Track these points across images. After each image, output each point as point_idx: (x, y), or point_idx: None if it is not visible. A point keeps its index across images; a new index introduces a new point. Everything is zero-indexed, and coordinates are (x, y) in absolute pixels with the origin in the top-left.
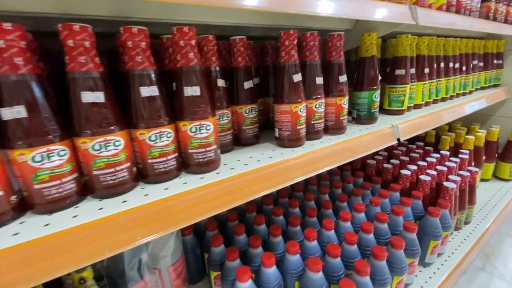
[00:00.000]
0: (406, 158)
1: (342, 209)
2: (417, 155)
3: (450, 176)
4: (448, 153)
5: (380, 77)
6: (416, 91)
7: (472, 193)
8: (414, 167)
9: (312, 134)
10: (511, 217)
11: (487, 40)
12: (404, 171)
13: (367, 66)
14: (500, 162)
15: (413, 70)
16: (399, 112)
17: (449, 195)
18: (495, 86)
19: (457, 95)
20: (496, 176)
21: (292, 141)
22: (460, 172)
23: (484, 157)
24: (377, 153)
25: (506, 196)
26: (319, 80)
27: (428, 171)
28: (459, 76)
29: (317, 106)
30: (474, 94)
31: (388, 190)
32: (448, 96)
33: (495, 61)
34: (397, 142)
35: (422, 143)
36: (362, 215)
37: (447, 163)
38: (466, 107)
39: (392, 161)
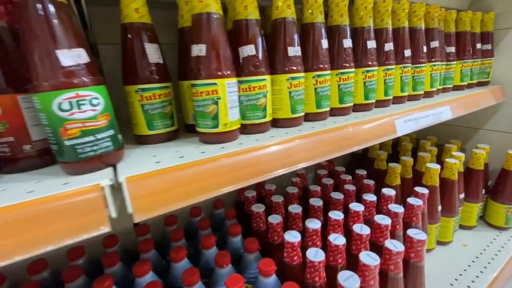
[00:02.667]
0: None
1: None
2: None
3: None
4: (373, 198)
5: None
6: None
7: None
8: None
9: None
10: None
11: (465, 12)
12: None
13: None
14: (491, 202)
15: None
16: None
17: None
18: (481, 84)
19: (400, 99)
20: (486, 222)
21: None
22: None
23: (462, 195)
24: None
25: (502, 256)
26: None
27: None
28: (398, 66)
29: None
30: (437, 97)
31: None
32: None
33: (479, 46)
34: None
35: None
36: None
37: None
38: (401, 123)
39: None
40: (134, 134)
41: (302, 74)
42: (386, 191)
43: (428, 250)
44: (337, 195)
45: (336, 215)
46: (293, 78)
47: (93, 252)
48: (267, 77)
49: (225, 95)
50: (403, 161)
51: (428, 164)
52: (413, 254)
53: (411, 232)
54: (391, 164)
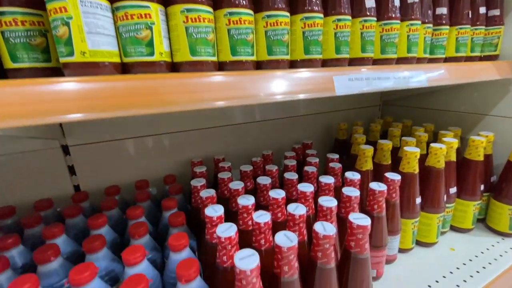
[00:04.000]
0: None
1: None
2: None
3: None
4: (330, 181)
5: None
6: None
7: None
8: None
9: None
10: None
11: None
12: None
13: None
14: (494, 202)
15: None
16: None
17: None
18: (487, 58)
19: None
20: (486, 225)
21: None
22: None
23: (453, 189)
24: None
25: (497, 265)
26: None
27: None
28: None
29: None
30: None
31: None
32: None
33: (482, 11)
34: None
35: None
36: None
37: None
38: (342, 80)
39: None
40: None
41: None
42: (349, 174)
43: (404, 250)
44: (291, 175)
45: (277, 193)
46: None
47: None
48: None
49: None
50: (380, 144)
51: (406, 147)
52: (353, 243)
53: (352, 216)
54: (363, 146)
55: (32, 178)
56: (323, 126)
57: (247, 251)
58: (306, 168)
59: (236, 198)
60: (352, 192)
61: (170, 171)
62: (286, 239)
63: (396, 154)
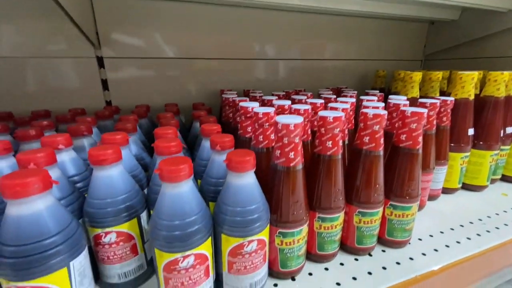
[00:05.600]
0: None
1: None
2: None
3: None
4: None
5: None
6: None
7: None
8: None
9: None
10: None
11: None
12: None
13: None
14: None
15: None
16: None
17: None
18: None
19: None
20: None
21: None
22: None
23: (511, 129)
24: None
25: None
26: None
27: None
28: None
29: None
30: None
31: None
32: None
33: None
34: None
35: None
36: None
37: None
38: None
39: None
40: None
41: None
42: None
43: (449, 190)
44: (329, 94)
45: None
46: None
47: None
48: None
49: None
50: (427, 74)
51: (460, 72)
52: (367, 138)
53: (406, 107)
54: (408, 72)
55: (68, 86)
56: (358, 75)
57: (290, 116)
58: (341, 98)
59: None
60: (399, 100)
61: (200, 100)
62: (330, 113)
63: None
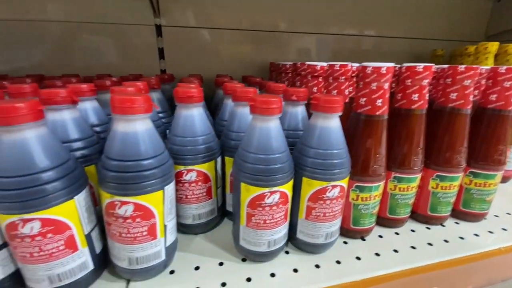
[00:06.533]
0: None
1: None
2: None
3: None
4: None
5: None
6: None
7: None
8: None
9: None
10: None
11: None
12: None
13: None
14: None
15: None
16: None
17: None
18: None
19: None
20: None
21: None
22: None
23: None
24: None
25: None
26: None
27: None
28: None
29: None
30: None
31: None
32: None
33: None
34: None
35: None
36: None
37: None
38: None
39: None
40: None
41: None
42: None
43: None
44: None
45: None
46: None
47: None
48: None
49: None
50: (503, 47)
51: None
52: (455, 95)
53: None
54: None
55: (126, 53)
56: (412, 54)
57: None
58: None
59: None
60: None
61: (250, 73)
62: (418, 64)
63: None
